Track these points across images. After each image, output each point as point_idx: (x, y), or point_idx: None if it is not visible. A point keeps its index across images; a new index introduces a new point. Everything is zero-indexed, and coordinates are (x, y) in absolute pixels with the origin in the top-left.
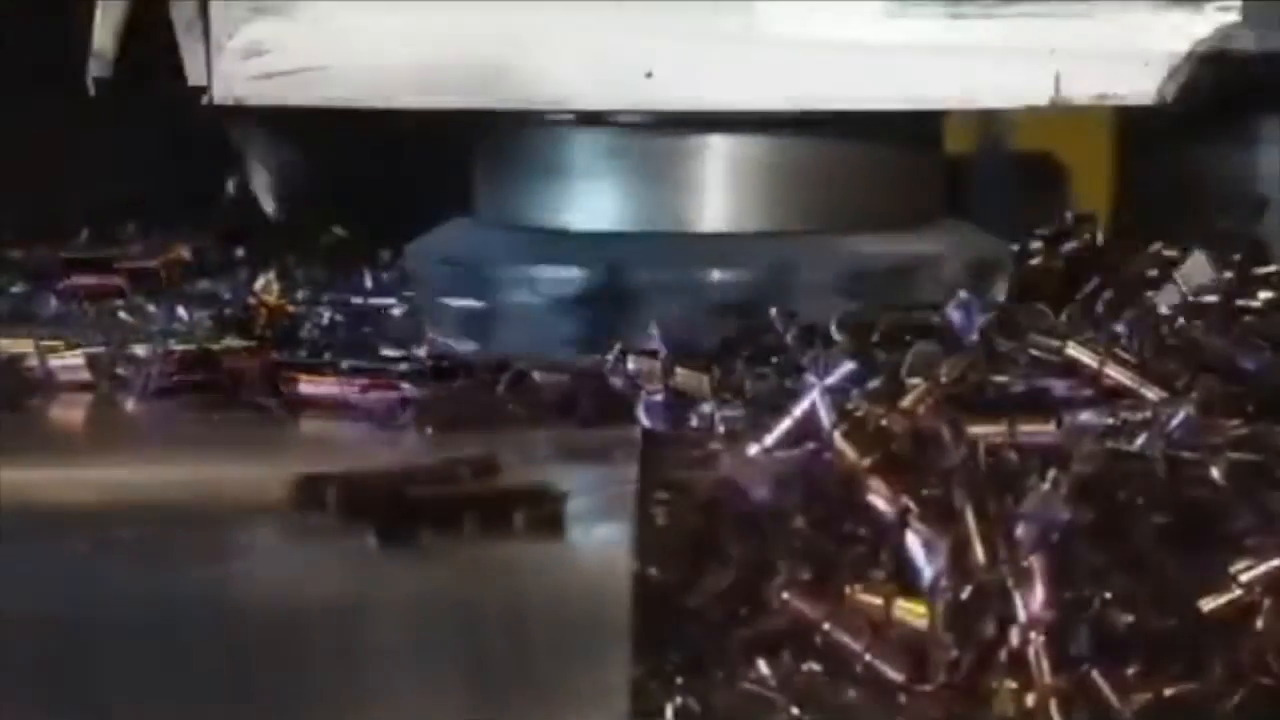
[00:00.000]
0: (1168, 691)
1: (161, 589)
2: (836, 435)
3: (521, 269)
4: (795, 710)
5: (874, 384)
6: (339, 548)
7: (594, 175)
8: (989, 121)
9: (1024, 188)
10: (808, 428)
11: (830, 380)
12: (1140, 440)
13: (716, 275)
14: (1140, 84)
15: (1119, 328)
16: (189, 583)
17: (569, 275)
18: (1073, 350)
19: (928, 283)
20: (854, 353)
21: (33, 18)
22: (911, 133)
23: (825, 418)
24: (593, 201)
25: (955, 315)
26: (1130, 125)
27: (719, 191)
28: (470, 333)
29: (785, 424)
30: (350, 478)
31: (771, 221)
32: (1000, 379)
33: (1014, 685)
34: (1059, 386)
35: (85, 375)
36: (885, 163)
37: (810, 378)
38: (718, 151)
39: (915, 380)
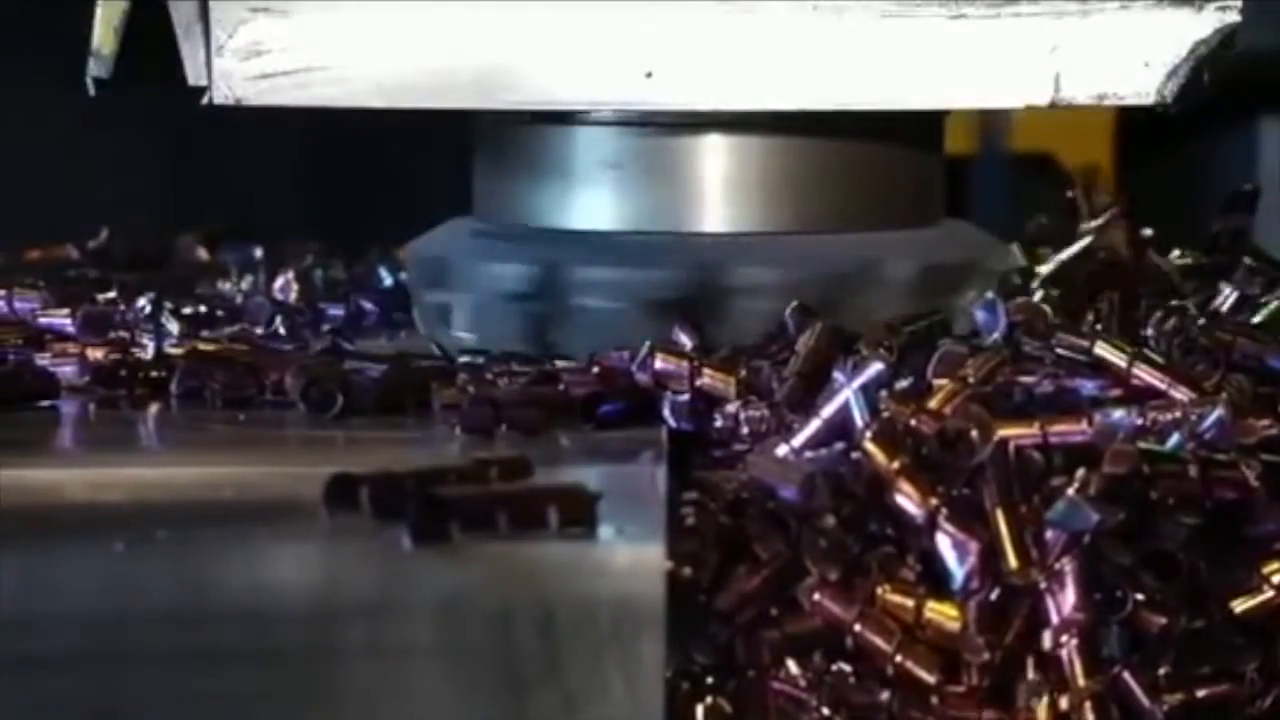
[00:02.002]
0: (1200, 693)
1: (195, 588)
2: (866, 438)
3: (521, 268)
4: (825, 710)
5: (902, 385)
6: (371, 547)
7: (594, 175)
8: (989, 121)
9: (1024, 188)
10: (838, 429)
11: (860, 381)
12: (1172, 441)
13: (716, 275)
14: (1140, 84)
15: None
16: (222, 582)
17: (574, 276)
18: (1101, 350)
19: (928, 283)
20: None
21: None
22: (911, 133)
23: (859, 419)
24: (592, 201)
25: (981, 314)
26: (1130, 125)
27: (719, 191)
28: (469, 332)
29: (815, 425)
30: (383, 477)
31: (770, 221)
32: (1028, 379)
33: (1047, 688)
34: (1088, 386)
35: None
36: (885, 163)
37: (839, 378)
38: (718, 151)
39: (943, 381)
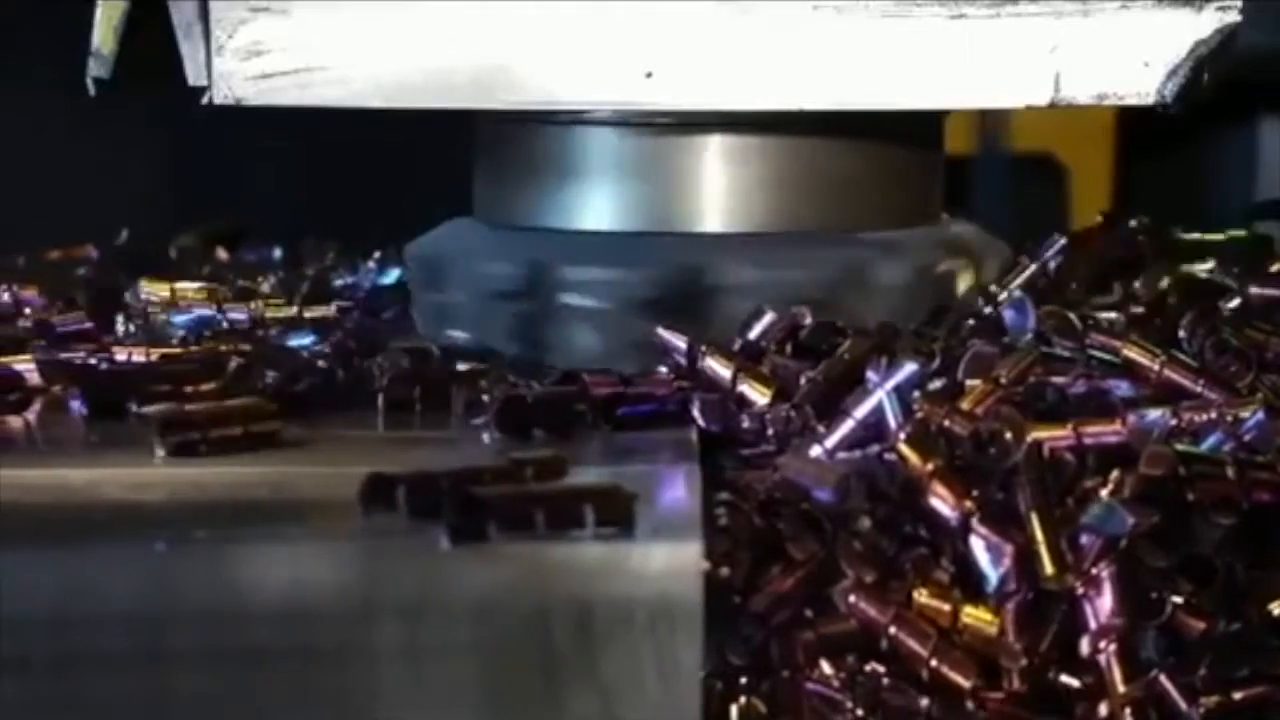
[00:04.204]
0: (1236, 695)
1: (232, 588)
2: (900, 440)
3: (521, 269)
4: (860, 712)
5: (934, 385)
6: (409, 546)
7: (594, 175)
8: (989, 121)
9: (1024, 188)
10: (871, 429)
11: (893, 382)
12: (1209, 442)
13: (717, 275)
14: (1140, 84)
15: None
16: (260, 582)
17: (568, 275)
18: (1130, 351)
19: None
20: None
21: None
22: (911, 133)
23: (892, 420)
24: (593, 201)
25: (1010, 314)
26: (1130, 125)
27: (719, 191)
28: (469, 332)
29: (848, 425)
30: (420, 477)
31: (771, 222)
32: (1060, 379)
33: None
34: (1121, 386)
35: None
36: (885, 162)
37: (873, 378)
38: (718, 151)
39: (974, 381)
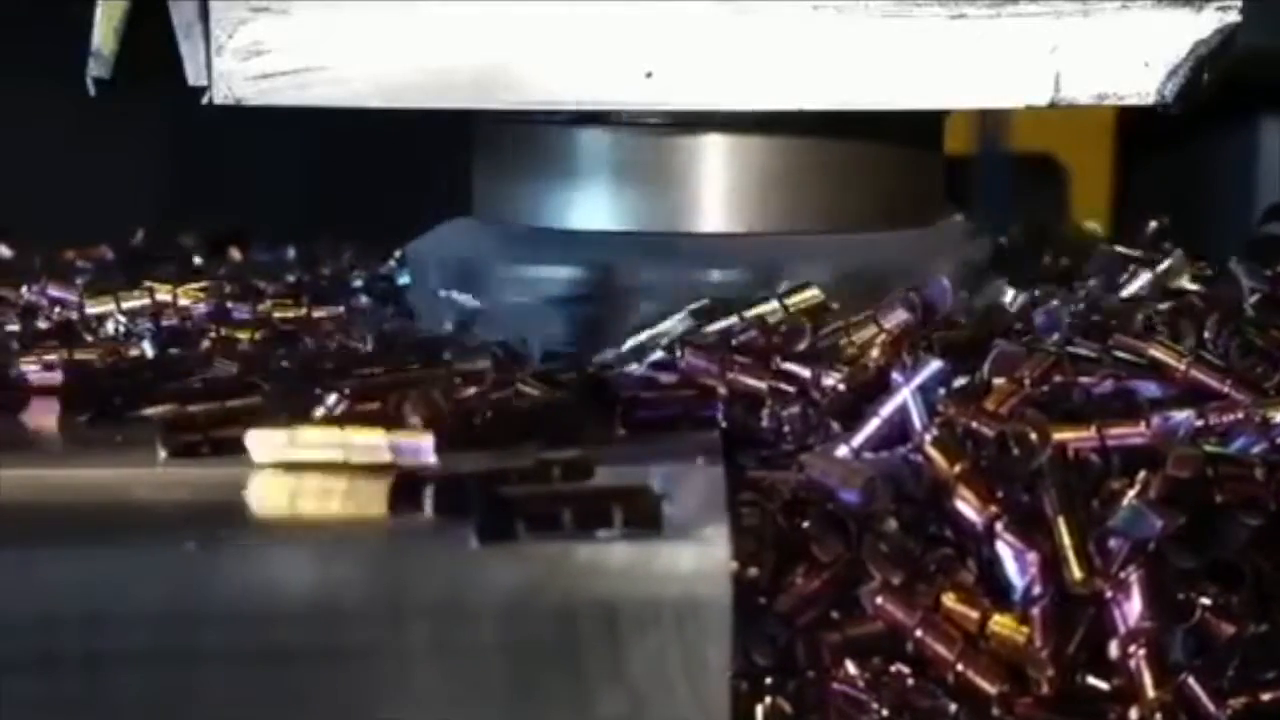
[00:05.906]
0: (1264, 696)
1: (260, 587)
2: (927, 441)
3: (521, 268)
4: (885, 712)
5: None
6: (437, 546)
7: (594, 175)
8: (989, 121)
9: (1024, 188)
10: (896, 429)
11: (918, 381)
12: (1238, 443)
13: (716, 275)
14: (1140, 84)
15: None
16: (288, 581)
17: (569, 275)
18: (1156, 351)
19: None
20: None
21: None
22: (911, 133)
23: (918, 421)
24: (593, 201)
25: (1039, 316)
26: (1130, 125)
27: (719, 191)
28: (470, 331)
29: (873, 424)
30: (448, 477)
31: (771, 221)
32: (1084, 380)
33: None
34: (1149, 388)
35: None
36: (885, 163)
37: (897, 378)
38: (718, 151)
39: (999, 381)
